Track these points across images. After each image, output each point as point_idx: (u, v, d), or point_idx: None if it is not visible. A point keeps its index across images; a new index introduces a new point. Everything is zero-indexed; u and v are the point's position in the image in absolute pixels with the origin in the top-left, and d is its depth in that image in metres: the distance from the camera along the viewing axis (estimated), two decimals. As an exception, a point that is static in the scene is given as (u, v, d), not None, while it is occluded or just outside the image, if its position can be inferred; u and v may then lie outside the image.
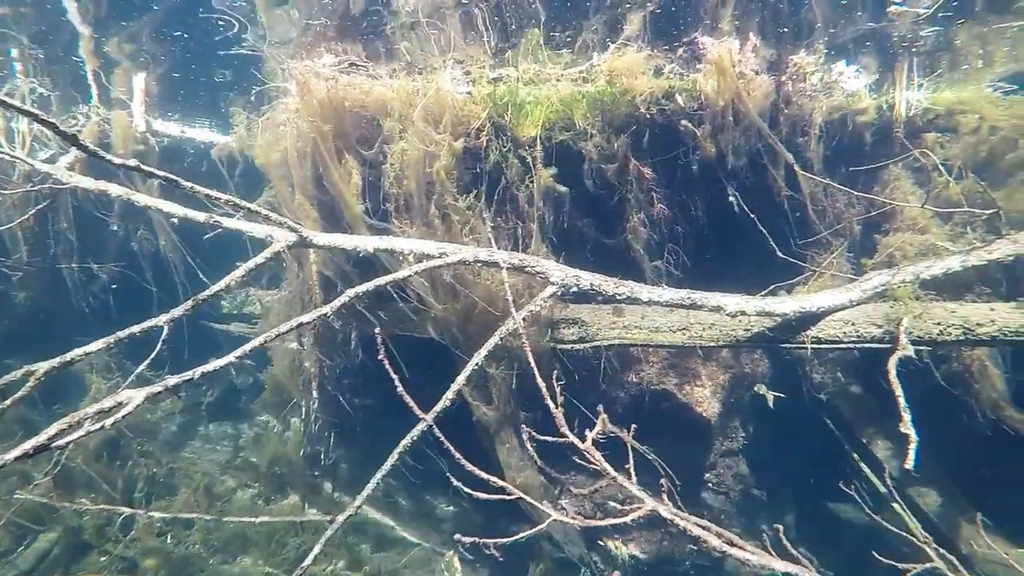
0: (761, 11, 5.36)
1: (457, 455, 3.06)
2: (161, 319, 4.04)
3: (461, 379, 4.78)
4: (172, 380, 3.63)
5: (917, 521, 6.22)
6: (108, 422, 3.14)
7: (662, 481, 3.27)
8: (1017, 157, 5.31)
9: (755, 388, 6.79)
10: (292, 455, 7.26)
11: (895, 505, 6.54)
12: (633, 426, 3.63)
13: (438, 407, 4.44)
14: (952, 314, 4.61)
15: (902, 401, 4.15)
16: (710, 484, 6.90)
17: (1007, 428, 5.03)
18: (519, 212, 5.67)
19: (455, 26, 5.49)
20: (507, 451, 5.56)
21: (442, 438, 3.13)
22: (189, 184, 4.02)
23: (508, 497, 2.93)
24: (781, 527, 3.15)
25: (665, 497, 3.21)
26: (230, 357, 3.99)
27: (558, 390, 6.01)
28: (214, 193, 4.14)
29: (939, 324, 4.60)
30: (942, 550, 3.44)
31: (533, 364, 4.05)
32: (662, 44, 5.38)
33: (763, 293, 5.28)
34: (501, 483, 3.11)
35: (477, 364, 4.76)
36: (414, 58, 5.65)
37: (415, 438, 4.55)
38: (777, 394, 6.59)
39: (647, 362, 6.50)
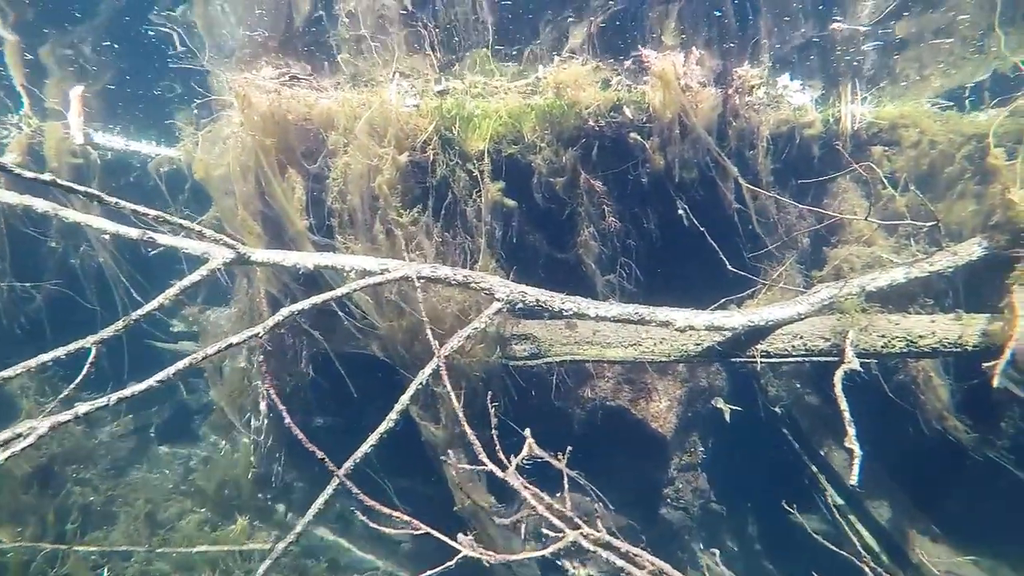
0: (707, 24, 5.37)
1: (369, 502, 2.91)
2: (89, 340, 3.84)
3: (405, 399, 4.66)
4: (83, 407, 3.43)
5: (871, 531, 6.29)
6: (2, 456, 2.94)
7: (596, 506, 3.14)
8: (955, 171, 5.38)
9: (712, 402, 6.76)
10: (241, 478, 7.00)
11: (851, 517, 6.59)
12: (568, 448, 3.50)
13: (363, 450, 4.31)
14: (896, 326, 4.61)
15: (847, 415, 4.13)
16: (669, 500, 6.82)
17: (952, 438, 5.05)
18: (467, 227, 5.56)
19: (400, 39, 5.39)
20: (456, 471, 5.41)
21: (355, 490, 2.97)
22: (113, 199, 3.84)
23: (420, 530, 2.78)
24: (717, 551, 3.04)
25: (600, 523, 3.09)
26: (151, 381, 3.81)
27: (509, 407, 5.94)
28: (141, 208, 3.96)
29: (884, 336, 4.60)
30: (879, 569, 3.38)
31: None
32: (609, 56, 5.35)
33: (713, 307, 5.26)
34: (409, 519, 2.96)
35: (421, 384, 4.64)
36: (359, 71, 5.52)
37: (359, 459, 4.43)
38: (734, 407, 6.56)
39: (602, 377, 6.41)
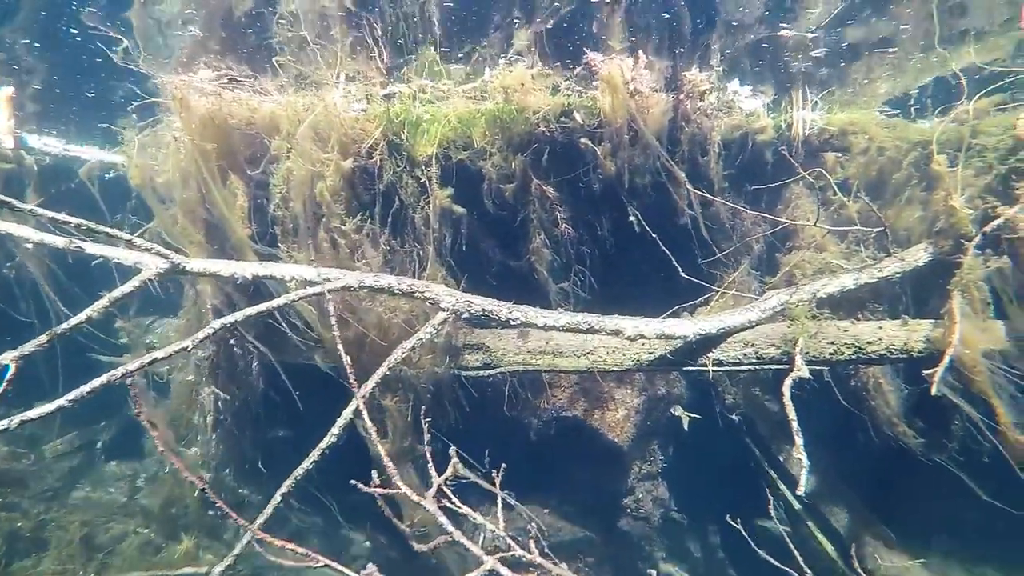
0: (657, 29, 5.32)
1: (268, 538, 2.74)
2: (7, 357, 3.60)
3: (347, 413, 4.50)
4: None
5: (827, 536, 6.28)
6: None
7: (529, 526, 3.02)
8: (902, 177, 5.41)
9: (672, 410, 6.70)
10: (188, 495, 6.72)
11: (808, 523, 6.58)
12: (503, 466, 3.37)
13: (302, 467, 4.16)
14: (845, 333, 4.59)
15: (795, 425, 4.07)
16: (629, 510, 6.74)
17: (902, 444, 5.04)
18: (416, 234, 5.41)
19: (344, 41, 5.23)
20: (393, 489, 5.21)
21: (270, 540, 2.79)
22: (29, 207, 3.61)
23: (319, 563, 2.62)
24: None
25: (533, 544, 2.96)
26: (61, 401, 3.57)
27: (462, 419, 5.79)
28: (61, 216, 3.73)
29: (833, 344, 4.57)
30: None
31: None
32: (559, 61, 5.26)
33: (666, 314, 5.19)
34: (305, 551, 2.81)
35: (364, 397, 4.48)
36: (303, 74, 5.35)
37: (299, 477, 4.27)
38: (693, 415, 6.50)
39: (558, 387, 6.31)
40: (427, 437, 3.38)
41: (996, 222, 4.31)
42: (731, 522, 4.20)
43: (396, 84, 5.34)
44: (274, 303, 4.28)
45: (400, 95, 5.35)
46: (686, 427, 6.36)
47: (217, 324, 4.08)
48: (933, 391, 3.60)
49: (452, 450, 3.35)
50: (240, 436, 6.63)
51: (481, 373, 5.60)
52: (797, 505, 6.61)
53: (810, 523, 6.41)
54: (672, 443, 7.13)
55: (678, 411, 6.58)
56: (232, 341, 6.08)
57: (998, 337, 3.97)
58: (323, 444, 4.41)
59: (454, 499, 3.19)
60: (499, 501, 3.12)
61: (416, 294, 4.62)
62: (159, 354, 3.93)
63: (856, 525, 5.87)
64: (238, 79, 5.21)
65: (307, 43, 5.16)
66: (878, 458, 5.89)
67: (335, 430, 4.44)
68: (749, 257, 5.71)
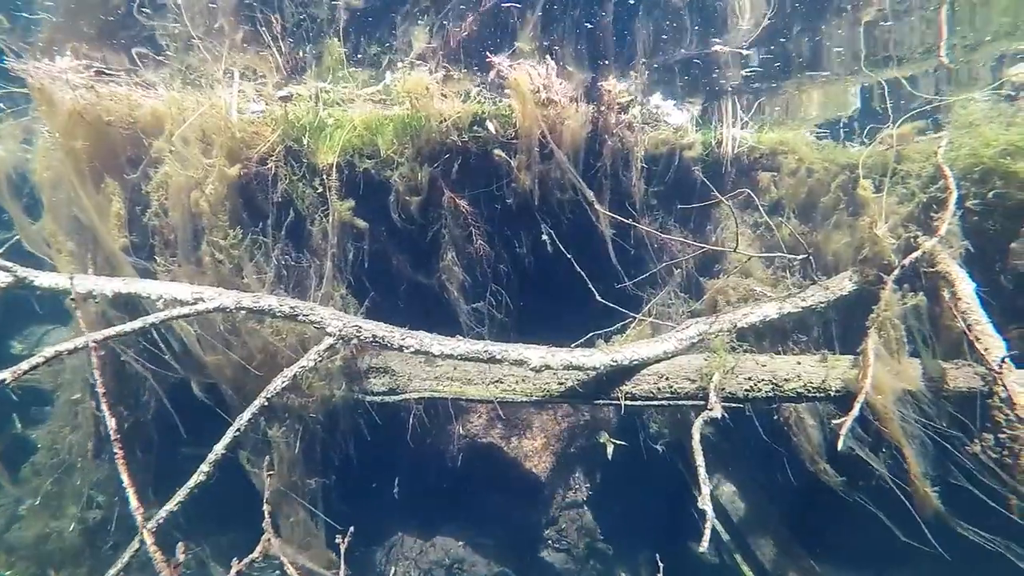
0: (577, 36, 4.98)
1: None
2: None
3: (220, 448, 4.04)
4: None
5: (754, 570, 6.04)
6: None
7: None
8: (831, 200, 5.19)
9: (597, 436, 6.39)
10: (65, 529, 6.09)
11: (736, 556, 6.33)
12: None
13: (167, 508, 3.69)
14: (762, 368, 4.31)
15: (703, 472, 3.77)
16: (550, 541, 6.38)
17: (824, 482, 4.81)
18: (314, 249, 4.95)
19: (236, 35, 4.73)
20: (291, 526, 4.76)
21: None
22: None
23: None
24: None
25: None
26: None
27: (371, 447, 5.35)
28: None
29: (750, 379, 4.29)
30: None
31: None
32: (468, 65, 4.87)
33: (580, 341, 4.85)
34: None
35: (239, 430, 4.02)
36: (193, 69, 4.83)
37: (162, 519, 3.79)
38: (619, 443, 6.19)
39: (475, 412, 5.93)
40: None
41: (914, 254, 4.08)
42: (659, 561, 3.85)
43: (292, 85, 4.87)
44: (133, 325, 3.78)
45: (298, 97, 4.87)
46: (610, 456, 6.06)
47: (80, 341, 3.60)
48: (839, 446, 3.33)
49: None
50: (129, 460, 6.02)
51: (387, 398, 5.18)
52: (725, 536, 6.37)
53: (737, 556, 6.19)
54: (599, 470, 6.81)
55: (603, 438, 6.28)
56: (123, 357, 5.50)
57: (912, 379, 3.73)
58: (191, 483, 3.94)
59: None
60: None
61: (300, 317, 4.17)
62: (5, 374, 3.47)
63: (782, 559, 5.65)
64: (107, 71, 4.65)
65: (194, 35, 4.65)
66: (807, 490, 5.68)
67: (205, 467, 3.98)
68: (671, 281, 5.42)
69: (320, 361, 4.19)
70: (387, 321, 4.45)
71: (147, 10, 4.57)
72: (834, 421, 3.50)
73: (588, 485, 6.67)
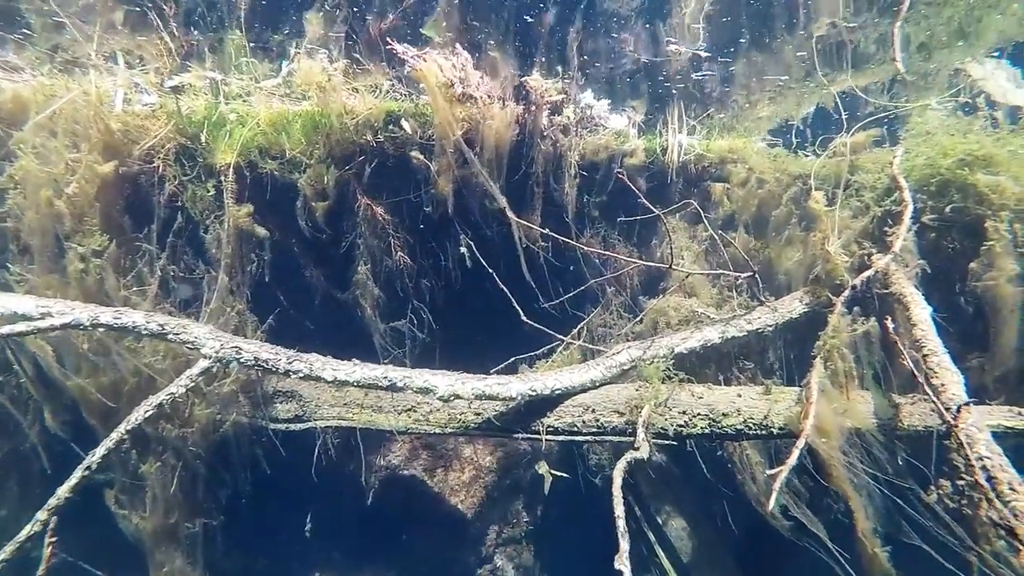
0: (503, 27, 4.52)
1: None
2: None
3: (63, 492, 3.48)
4: None
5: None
6: None
7: None
8: (783, 214, 4.76)
9: (536, 466, 5.87)
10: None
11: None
12: None
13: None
14: (699, 400, 3.82)
15: (622, 524, 3.25)
16: (484, 582, 5.81)
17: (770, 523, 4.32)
18: (210, 260, 4.40)
19: (112, 16, 4.21)
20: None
21: None
22: None
23: None
24: None
25: None
26: None
27: (278, 480, 4.77)
28: None
29: (685, 413, 3.80)
30: None
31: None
32: (381, 57, 4.38)
33: (501, 366, 4.35)
34: None
35: (88, 469, 3.45)
36: (66, 52, 4.29)
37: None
38: (560, 474, 5.66)
39: (397, 441, 5.37)
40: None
41: (866, 274, 3.65)
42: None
43: (183, 75, 4.34)
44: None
45: (190, 88, 4.34)
46: (546, 491, 5.54)
47: None
48: (770, 504, 2.85)
49: None
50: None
51: (291, 426, 4.62)
52: (672, 574, 5.87)
53: (685, 598, 5.70)
54: (541, 502, 6.27)
55: (542, 469, 5.76)
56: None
57: (862, 417, 3.27)
58: (22, 534, 3.35)
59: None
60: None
61: (170, 336, 3.62)
62: None
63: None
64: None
65: (57, 10, 4.11)
66: (760, 527, 5.21)
67: (41, 515, 3.39)
68: (610, 300, 4.95)
69: (191, 386, 3.63)
70: (299, 341, 3.92)
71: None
72: (768, 472, 3.02)
73: (529, 519, 6.13)
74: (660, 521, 6.04)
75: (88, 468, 3.46)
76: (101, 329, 3.55)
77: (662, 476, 6.08)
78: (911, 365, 2.86)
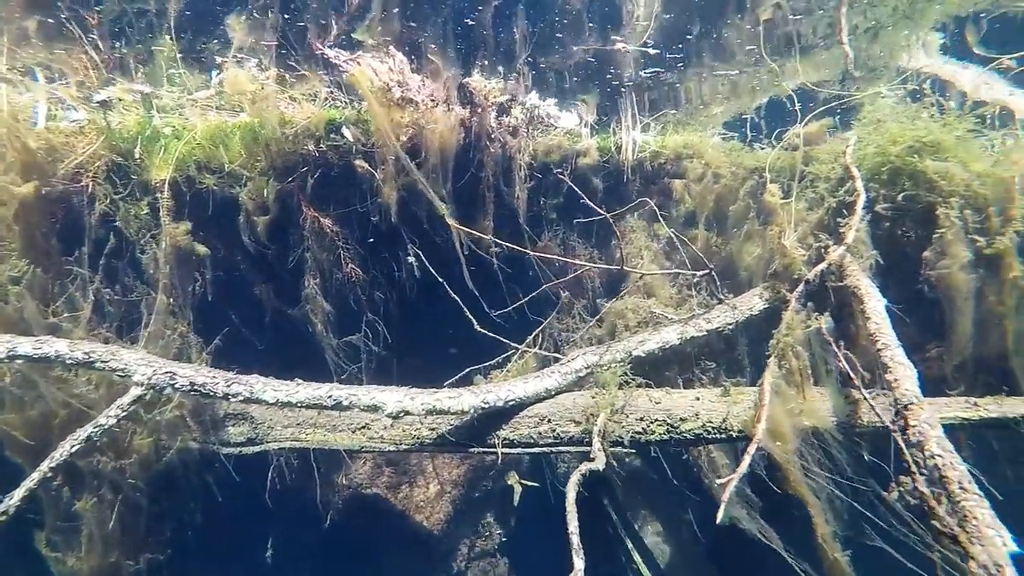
0: (442, 27, 4.38)
1: None
2: None
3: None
4: None
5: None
6: None
7: None
8: (740, 208, 4.67)
9: (506, 477, 5.72)
10: None
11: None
12: None
13: None
14: (656, 406, 3.71)
15: (576, 540, 3.12)
16: (456, 599, 5.66)
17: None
18: (148, 281, 4.21)
19: (28, 26, 4.01)
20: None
21: None
22: None
23: None
24: None
25: None
26: None
27: (234, 505, 4.58)
28: None
29: (643, 420, 3.69)
30: None
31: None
32: (316, 63, 4.23)
33: (451, 380, 4.20)
34: None
35: (5, 514, 3.23)
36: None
37: None
38: (530, 483, 5.52)
39: (360, 458, 5.20)
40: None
41: (819, 267, 3.56)
42: None
43: (108, 89, 4.15)
44: None
45: (119, 102, 4.16)
46: (515, 502, 5.40)
47: None
48: (719, 517, 2.74)
49: None
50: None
51: (244, 450, 4.44)
52: (650, 579, 5.77)
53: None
54: (515, 513, 6.13)
55: (512, 479, 5.62)
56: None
57: (820, 415, 3.17)
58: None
59: None
60: None
61: (98, 364, 3.43)
62: None
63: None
64: None
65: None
66: (733, 529, 5.11)
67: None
68: (567, 305, 4.83)
69: (124, 416, 3.45)
70: (250, 361, 3.75)
71: None
72: (718, 481, 2.91)
73: (502, 531, 5.99)
74: (636, 527, 5.95)
75: (4, 514, 3.24)
76: (19, 361, 3.36)
77: (637, 481, 5.99)
78: (846, 367, 2.76)
